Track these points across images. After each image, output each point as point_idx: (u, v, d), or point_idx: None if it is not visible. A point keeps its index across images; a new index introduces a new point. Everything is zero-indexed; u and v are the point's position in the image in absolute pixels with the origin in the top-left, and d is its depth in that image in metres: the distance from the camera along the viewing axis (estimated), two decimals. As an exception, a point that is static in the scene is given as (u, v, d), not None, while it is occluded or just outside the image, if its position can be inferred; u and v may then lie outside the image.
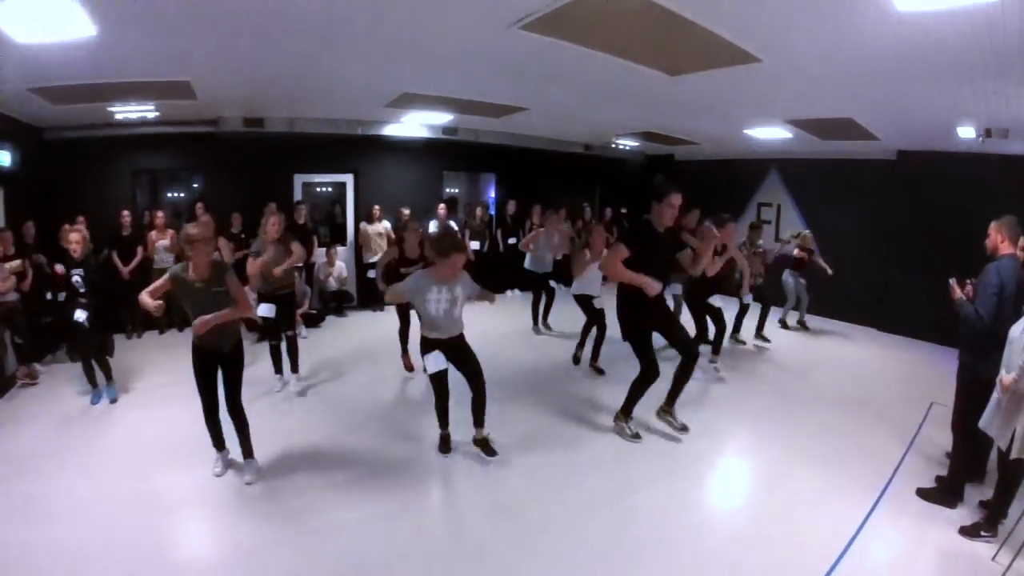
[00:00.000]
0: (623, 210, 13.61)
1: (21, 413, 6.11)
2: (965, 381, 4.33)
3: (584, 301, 7.50)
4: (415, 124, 10.32)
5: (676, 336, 5.36)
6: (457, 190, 13.80)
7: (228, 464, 4.85)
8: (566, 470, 5.02)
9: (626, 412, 5.54)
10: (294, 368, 6.83)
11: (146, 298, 4.31)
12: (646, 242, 5.03)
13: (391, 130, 10.45)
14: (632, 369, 5.41)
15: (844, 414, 6.24)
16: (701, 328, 7.42)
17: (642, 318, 5.18)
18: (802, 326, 9.89)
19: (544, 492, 4.68)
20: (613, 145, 12.44)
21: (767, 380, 7.42)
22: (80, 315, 6.19)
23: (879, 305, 10.04)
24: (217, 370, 4.58)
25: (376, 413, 6.18)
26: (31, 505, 4.35)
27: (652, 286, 4.92)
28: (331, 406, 6.38)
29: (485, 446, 5.14)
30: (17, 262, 6.95)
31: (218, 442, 4.79)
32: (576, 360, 7.77)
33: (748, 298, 8.29)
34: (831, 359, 8.41)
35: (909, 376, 7.63)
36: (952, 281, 4.39)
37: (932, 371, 7.36)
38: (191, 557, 3.89)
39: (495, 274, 11.42)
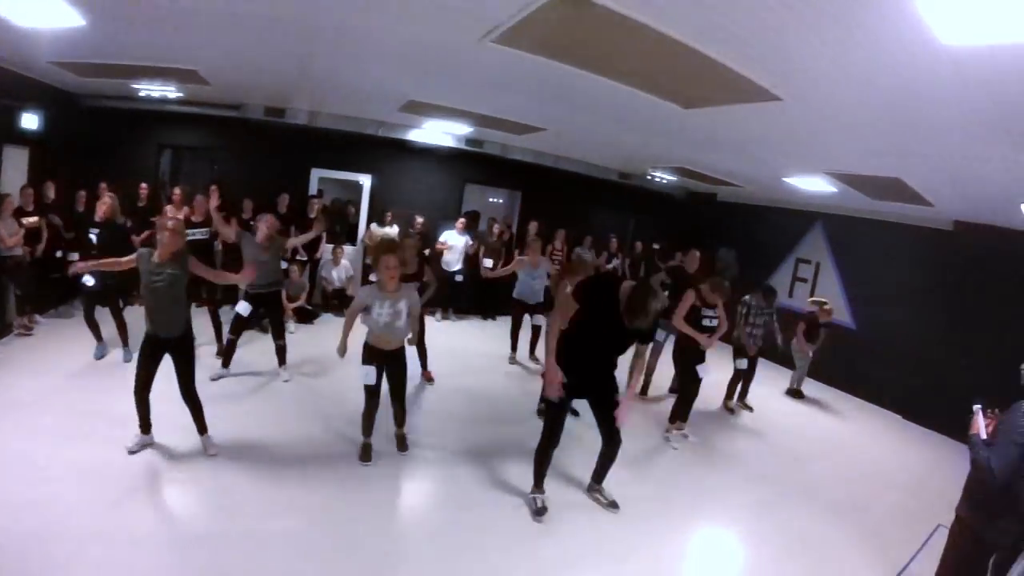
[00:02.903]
0: (655, 245, 12.84)
1: (11, 361, 6.45)
2: (957, 539, 3.38)
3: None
4: (438, 131, 9.90)
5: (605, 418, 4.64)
6: (501, 200, 13.31)
7: (145, 446, 4.89)
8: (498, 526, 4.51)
9: (538, 483, 4.82)
10: (281, 362, 6.93)
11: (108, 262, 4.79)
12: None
13: (414, 135, 10.09)
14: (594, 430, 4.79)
15: (830, 524, 5.16)
16: (682, 385, 6.62)
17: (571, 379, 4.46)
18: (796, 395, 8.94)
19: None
20: (649, 177, 11.68)
21: (751, 465, 6.24)
22: (88, 279, 6.54)
23: (911, 391, 8.72)
24: (163, 356, 4.73)
25: (332, 413, 6.08)
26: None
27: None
28: (292, 402, 6.37)
29: (401, 441, 5.47)
30: (35, 219, 7.38)
31: (144, 424, 4.86)
32: (540, 414, 6.55)
33: (742, 363, 7.50)
34: (836, 447, 7.21)
35: (925, 483, 6.39)
36: (976, 408, 3.40)
37: (954, 481, 5.96)
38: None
39: (505, 295, 11.00)
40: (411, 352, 5.45)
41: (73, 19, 4.68)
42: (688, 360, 6.35)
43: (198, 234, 7.90)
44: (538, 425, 6.19)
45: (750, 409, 7.88)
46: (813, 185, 8.42)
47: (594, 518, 4.77)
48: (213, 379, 6.52)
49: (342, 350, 5.06)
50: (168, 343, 4.69)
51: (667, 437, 6.46)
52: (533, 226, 11.01)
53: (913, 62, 3.32)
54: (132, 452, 4.79)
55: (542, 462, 4.73)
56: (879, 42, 3.17)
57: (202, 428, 5.00)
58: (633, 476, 5.45)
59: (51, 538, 3.64)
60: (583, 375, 4.46)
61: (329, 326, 9.36)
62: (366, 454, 5.20)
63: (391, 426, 5.49)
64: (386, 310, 4.87)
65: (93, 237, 6.70)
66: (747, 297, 7.51)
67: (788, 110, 4.77)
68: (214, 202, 7.11)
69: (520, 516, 4.68)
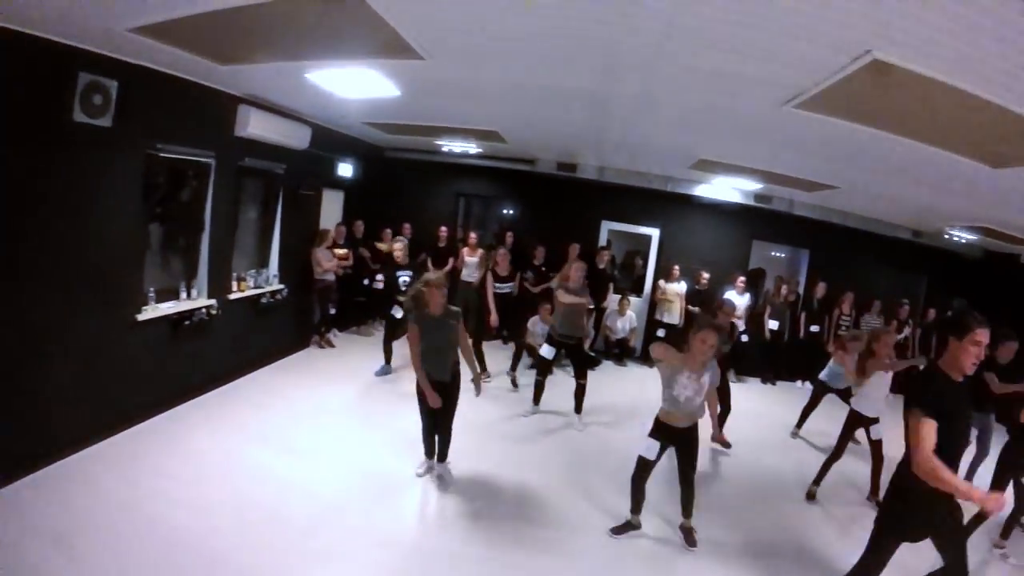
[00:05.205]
0: (949, 313, 11.66)
1: (312, 365, 8.16)
2: None
3: (857, 423, 6.10)
4: (726, 187, 10.14)
5: (954, 554, 3.56)
6: (784, 255, 13.11)
7: (429, 469, 5.58)
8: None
9: None
10: (577, 409, 7.30)
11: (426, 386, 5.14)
12: (942, 406, 3.27)
13: (701, 190, 10.47)
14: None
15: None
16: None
17: (912, 520, 3.51)
18: None
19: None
20: (946, 235, 10.80)
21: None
22: (397, 311, 7.68)
23: None
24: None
25: (610, 471, 6.02)
26: (277, 439, 5.86)
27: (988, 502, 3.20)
28: (575, 451, 6.63)
29: (688, 534, 4.98)
30: (345, 251, 9.12)
31: (429, 451, 5.57)
32: (810, 496, 6.18)
33: None
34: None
35: None
36: None
37: None
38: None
39: (788, 360, 10.79)
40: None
41: (391, 91, 5.59)
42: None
43: (504, 288, 8.93)
44: (813, 512, 5.97)
45: None
46: None
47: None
48: (525, 416, 7.32)
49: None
50: (440, 385, 5.13)
51: (1003, 554, 5.35)
52: (820, 288, 10.85)
53: None
54: (419, 475, 5.50)
55: None
56: None
57: (443, 456, 5.49)
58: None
59: (326, 526, 4.53)
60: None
61: (608, 376, 9.81)
62: (621, 529, 5.02)
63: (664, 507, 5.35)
64: (691, 384, 4.54)
65: (406, 279, 7.83)
66: None
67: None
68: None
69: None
